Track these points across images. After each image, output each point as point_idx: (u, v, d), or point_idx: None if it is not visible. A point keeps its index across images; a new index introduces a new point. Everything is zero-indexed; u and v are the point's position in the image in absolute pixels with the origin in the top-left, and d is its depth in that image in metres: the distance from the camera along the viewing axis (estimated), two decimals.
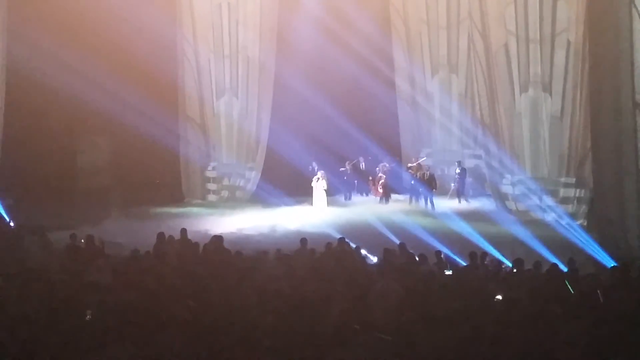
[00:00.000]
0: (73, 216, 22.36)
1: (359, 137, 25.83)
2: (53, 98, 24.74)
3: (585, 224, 21.30)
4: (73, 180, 27.15)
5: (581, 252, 17.71)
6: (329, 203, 25.18)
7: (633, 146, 17.71)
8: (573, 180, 22.20)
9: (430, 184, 25.24)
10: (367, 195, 27.45)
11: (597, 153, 19.51)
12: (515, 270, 14.19)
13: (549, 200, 22.39)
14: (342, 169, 26.79)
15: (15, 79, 24.77)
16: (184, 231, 17.29)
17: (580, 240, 18.90)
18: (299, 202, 25.49)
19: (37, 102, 25.18)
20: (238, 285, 12.15)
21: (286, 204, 25.18)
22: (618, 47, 17.93)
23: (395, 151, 27.68)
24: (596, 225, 19.80)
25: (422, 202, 25.38)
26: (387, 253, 15.34)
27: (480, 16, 23.62)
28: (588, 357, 8.99)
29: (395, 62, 27.67)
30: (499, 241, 18.21)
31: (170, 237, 16.89)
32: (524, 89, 22.87)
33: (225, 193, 27.71)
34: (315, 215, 23.66)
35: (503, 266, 15.17)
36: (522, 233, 19.49)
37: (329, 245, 16.24)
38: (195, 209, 25.84)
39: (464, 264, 15.08)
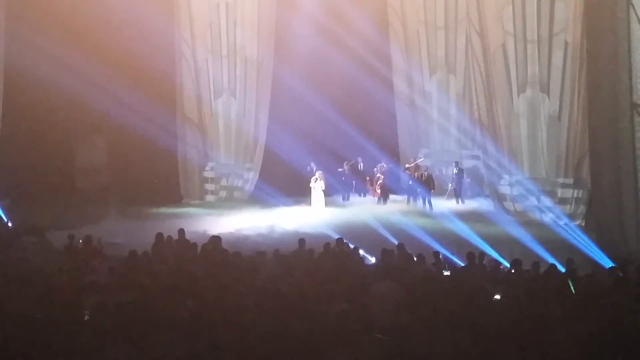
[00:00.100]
0: (71, 216, 22.38)
1: (357, 137, 25.81)
2: (51, 98, 24.75)
3: (583, 224, 21.32)
4: (71, 181, 27.17)
5: (579, 252, 17.72)
6: (327, 203, 25.17)
7: (631, 146, 17.71)
8: (571, 180, 22.21)
9: (428, 184, 25.24)
10: (365, 195, 27.46)
11: (595, 153, 19.52)
12: (513, 271, 14.21)
13: (547, 201, 22.40)
14: (340, 169, 26.79)
15: (13, 79, 24.79)
16: (181, 232, 17.28)
17: (578, 241, 18.92)
18: (297, 203, 25.49)
19: (34, 102, 25.18)
20: (236, 286, 12.15)
21: (284, 205, 25.18)
22: (616, 47, 17.93)
23: (393, 151, 27.67)
24: (594, 226, 19.82)
25: (419, 202, 25.37)
26: (385, 253, 15.34)
27: (478, 16, 23.61)
28: (586, 358, 8.99)
29: (393, 62, 27.65)
30: (497, 242, 18.22)
31: (169, 237, 16.89)
32: (521, 89, 22.88)
33: (223, 193, 27.71)
34: (313, 216, 23.66)
35: (501, 267, 15.18)
36: (520, 234, 19.50)
37: (327, 245, 16.23)
38: (193, 210, 25.82)
39: (462, 264, 15.09)
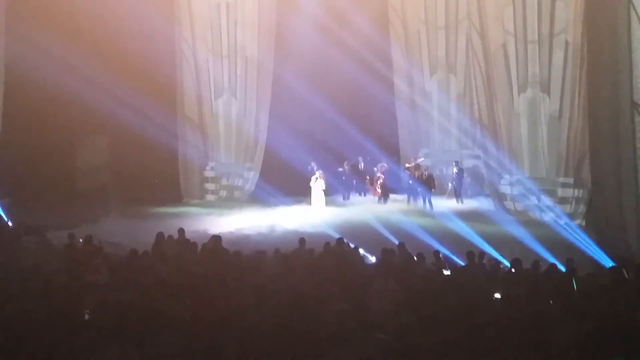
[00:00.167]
0: (71, 216, 22.38)
1: (358, 137, 25.82)
2: (51, 97, 24.74)
3: (583, 224, 21.31)
4: (71, 180, 27.18)
5: (579, 252, 17.71)
6: (327, 203, 25.18)
7: (631, 146, 17.70)
8: (571, 180, 22.21)
9: (429, 184, 25.25)
10: (365, 195, 27.46)
11: (595, 153, 19.53)
12: (513, 270, 14.21)
13: (547, 200, 22.41)
14: (340, 169, 26.78)
15: (13, 79, 24.79)
16: (182, 231, 17.28)
17: (579, 240, 18.92)
18: (297, 202, 25.50)
19: (35, 102, 25.19)
20: (237, 285, 12.16)
21: (284, 204, 25.19)
22: (616, 47, 17.93)
23: (393, 151, 27.68)
24: (594, 226, 19.81)
25: (420, 202, 25.38)
26: (386, 253, 15.34)
27: (479, 16, 23.62)
28: (586, 357, 9.00)
29: (394, 62, 27.67)
30: (497, 241, 18.23)
31: (169, 237, 16.89)
32: (522, 89, 22.89)
33: (223, 193, 27.72)
34: (313, 215, 23.66)
35: (501, 266, 15.18)
36: (521, 233, 19.49)
37: (327, 245, 16.24)
38: (193, 209, 25.82)
39: (463, 263, 15.09)
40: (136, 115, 24.54)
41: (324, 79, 25.90)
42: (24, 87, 24.71)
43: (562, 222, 21.35)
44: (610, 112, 18.20)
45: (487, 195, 25.00)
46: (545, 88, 22.46)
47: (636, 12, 17.70)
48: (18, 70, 24.33)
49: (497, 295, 12.13)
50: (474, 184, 26.48)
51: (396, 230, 19.73)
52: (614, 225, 18.29)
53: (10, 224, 21.30)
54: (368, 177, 27.20)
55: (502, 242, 18.42)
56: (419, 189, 25.44)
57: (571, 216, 21.79)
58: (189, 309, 10.41)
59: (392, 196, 26.52)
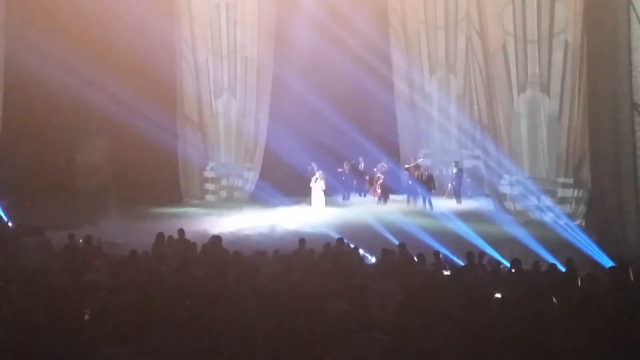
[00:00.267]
0: (71, 216, 22.36)
1: (357, 137, 25.84)
2: (51, 98, 24.77)
3: (583, 224, 21.32)
4: (71, 180, 27.18)
5: (579, 252, 17.71)
6: (327, 203, 25.18)
7: (631, 146, 17.71)
8: (571, 180, 22.22)
9: (429, 184, 25.25)
10: (365, 195, 27.45)
11: (595, 153, 19.52)
12: (513, 271, 14.21)
13: (547, 201, 22.41)
14: (340, 169, 26.76)
15: (12, 79, 24.78)
16: (181, 231, 17.27)
17: (579, 241, 18.92)
18: (297, 203, 25.50)
19: (35, 102, 25.21)
20: (236, 286, 12.14)
21: (284, 204, 25.20)
22: (616, 47, 17.93)
23: (393, 151, 27.69)
24: (594, 226, 19.81)
25: (419, 202, 25.38)
26: (386, 253, 15.34)
27: (478, 16, 23.63)
28: (586, 358, 8.99)
29: (393, 62, 27.70)
30: (497, 241, 18.24)
31: (169, 237, 16.89)
32: (522, 89, 22.89)
33: (223, 193, 27.71)
34: (313, 216, 23.66)
35: (501, 266, 15.18)
36: (520, 233, 19.50)
37: (327, 245, 16.24)
38: (193, 209, 25.84)
39: (463, 264, 15.08)
40: (136, 116, 24.54)
41: (323, 79, 25.90)
42: (24, 88, 24.73)
43: (562, 223, 21.36)
44: (610, 112, 18.20)
45: (487, 196, 24.99)
46: (545, 88, 22.46)
47: (635, 12, 17.70)
48: (17, 70, 24.34)
49: (497, 295, 12.13)
50: (473, 184, 26.50)
51: (396, 230, 19.73)
52: (614, 225, 18.29)
53: (10, 224, 21.28)
54: (368, 177, 27.20)
55: (502, 242, 18.43)
56: (418, 189, 25.43)
57: (571, 216, 21.80)
58: (188, 310, 10.39)
59: (392, 196, 26.53)
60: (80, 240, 16.76)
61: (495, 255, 16.50)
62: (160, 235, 16.70)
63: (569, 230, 20.35)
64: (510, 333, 9.48)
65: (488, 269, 14.67)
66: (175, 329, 9.43)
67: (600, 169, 18.98)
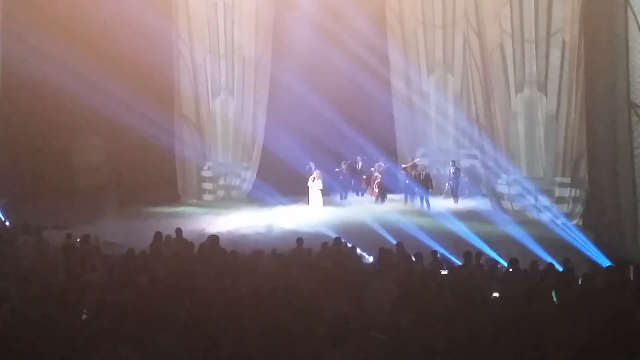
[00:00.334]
0: (69, 215, 22.35)
1: (355, 136, 25.82)
2: (48, 97, 24.75)
3: (580, 223, 21.35)
4: (69, 180, 27.12)
5: (576, 251, 17.74)
6: (325, 203, 25.17)
7: (628, 146, 17.72)
8: (568, 180, 22.23)
9: (426, 183, 25.26)
10: (362, 195, 27.44)
11: (592, 153, 19.54)
12: (510, 270, 14.22)
13: (544, 200, 22.43)
14: (337, 169, 26.74)
15: (9, 78, 24.74)
16: (179, 231, 17.27)
17: (576, 240, 18.94)
18: (294, 202, 25.49)
19: (32, 101, 25.19)
20: (234, 285, 12.15)
21: (282, 204, 25.19)
22: (613, 46, 17.94)
23: (390, 151, 27.69)
24: (592, 225, 19.83)
25: (417, 201, 25.38)
26: (383, 253, 15.35)
27: (476, 16, 23.64)
28: (583, 357, 9.00)
29: (391, 61, 27.69)
30: (494, 241, 18.28)
31: (167, 236, 16.88)
32: (519, 88, 22.90)
33: (221, 192, 27.70)
34: (311, 215, 23.65)
35: (499, 266, 15.19)
36: (518, 233, 19.54)
37: (325, 244, 16.26)
38: (190, 209, 25.83)
39: (460, 263, 15.09)
40: (133, 115, 24.53)
41: (321, 78, 25.89)
42: (20, 87, 24.69)
43: (559, 222, 21.37)
44: (607, 111, 18.21)
45: (484, 195, 25.01)
46: (543, 87, 22.48)
47: (633, 12, 17.71)
48: (14, 69, 24.30)
49: (495, 295, 12.14)
50: (471, 183, 26.49)
51: (394, 230, 19.74)
52: (611, 225, 18.30)
53: (7, 223, 21.27)
54: (365, 177, 27.18)
55: (499, 241, 18.47)
56: (416, 189, 25.43)
57: (568, 216, 21.83)
58: (186, 309, 10.40)
59: (389, 196, 26.52)
60: (78, 240, 16.77)
61: (493, 254, 16.51)
62: (157, 234, 16.71)
63: (566, 229, 20.37)
64: (507, 332, 9.49)
65: (485, 268, 14.68)
66: (173, 328, 9.44)
67: (598, 169, 19.00)
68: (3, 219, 21.85)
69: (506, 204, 23.44)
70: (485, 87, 23.53)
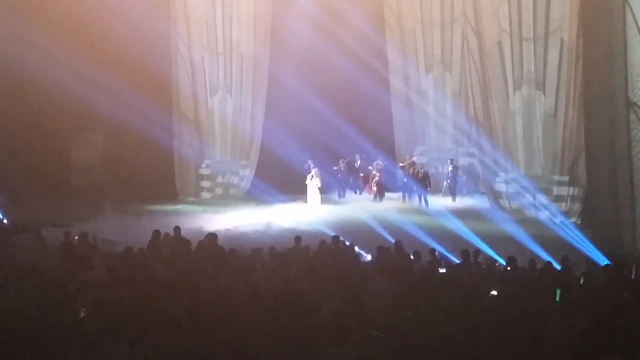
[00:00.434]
0: (67, 213, 22.31)
1: (353, 134, 25.81)
2: (46, 95, 24.68)
3: (578, 222, 21.37)
4: (67, 178, 27.10)
5: (575, 250, 17.73)
6: (323, 201, 25.17)
7: (626, 144, 17.74)
8: (567, 178, 22.25)
9: (424, 182, 25.24)
10: (360, 193, 27.43)
11: (590, 151, 19.56)
12: (508, 268, 14.23)
13: (542, 199, 22.44)
14: (336, 167, 26.73)
15: (7, 76, 24.71)
16: (177, 229, 17.26)
17: (574, 239, 18.94)
18: (293, 200, 25.50)
19: (30, 99, 25.16)
20: (232, 283, 12.15)
21: (280, 202, 25.19)
22: (612, 45, 17.95)
23: (389, 149, 27.68)
24: (590, 224, 19.85)
25: (415, 199, 25.38)
26: (381, 251, 15.36)
27: (474, 14, 23.65)
28: (581, 355, 9.01)
29: (389, 59, 27.68)
30: (492, 239, 18.24)
31: (166, 234, 16.88)
32: (517, 87, 22.92)
33: (219, 190, 27.70)
34: (309, 213, 23.65)
35: (497, 264, 15.20)
36: (516, 231, 19.51)
37: (323, 242, 16.25)
38: (189, 207, 25.83)
39: (458, 261, 15.09)
40: (131, 113, 24.48)
41: (319, 76, 25.86)
42: (18, 85, 24.67)
43: (557, 220, 21.37)
44: (605, 110, 18.23)
45: (482, 193, 24.99)
46: (541, 86, 22.49)
47: (631, 10, 17.72)
48: (12, 67, 24.27)
49: (493, 293, 12.14)
50: (469, 182, 26.48)
51: (392, 228, 19.72)
52: (610, 223, 18.33)
53: (5, 221, 21.25)
54: (363, 175, 27.17)
55: (497, 240, 18.43)
56: (414, 187, 25.43)
57: (566, 214, 21.84)
58: (184, 307, 10.39)
59: (387, 194, 26.51)
60: (76, 238, 16.75)
61: (491, 252, 16.51)
62: (156, 232, 16.70)
63: (564, 228, 20.37)
64: (505, 330, 9.49)
65: (484, 266, 14.68)
66: (171, 326, 9.43)
67: (596, 167, 19.03)
68: (1, 216, 21.82)
69: (504, 202, 23.46)
70: (484, 86, 23.55)
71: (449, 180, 25.96)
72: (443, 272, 14.43)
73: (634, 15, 17.65)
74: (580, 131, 21.02)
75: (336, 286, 12.15)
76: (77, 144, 27.54)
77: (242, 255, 15.10)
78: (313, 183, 24.93)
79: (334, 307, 10.31)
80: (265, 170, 26.67)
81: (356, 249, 16.63)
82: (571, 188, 22.16)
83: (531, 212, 22.54)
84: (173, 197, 27.35)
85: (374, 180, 26.34)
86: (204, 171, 27.82)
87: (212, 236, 16.58)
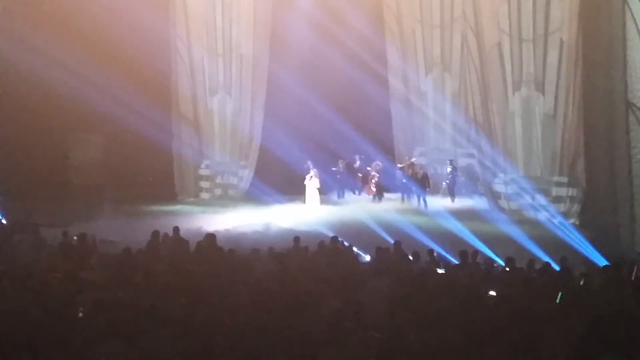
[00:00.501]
0: (66, 214, 22.31)
1: (352, 135, 25.82)
2: (46, 95, 24.68)
3: (577, 222, 21.37)
4: (66, 178, 27.08)
5: (573, 251, 17.74)
6: (322, 201, 25.18)
7: (625, 145, 17.76)
8: (565, 179, 22.25)
9: (423, 182, 25.24)
10: (359, 193, 27.43)
11: (589, 152, 19.59)
12: (507, 269, 14.23)
13: (541, 199, 22.44)
14: (335, 168, 26.72)
15: (6, 76, 24.70)
16: (176, 229, 17.26)
17: (573, 239, 18.94)
18: (292, 201, 25.49)
19: (29, 100, 25.11)
20: (231, 283, 12.15)
21: (279, 202, 25.17)
22: (611, 46, 17.98)
23: (388, 150, 27.68)
24: (588, 224, 19.87)
25: (414, 200, 25.38)
26: (380, 251, 15.36)
27: (474, 15, 23.67)
28: (579, 356, 9.01)
29: (389, 60, 27.68)
30: (491, 240, 18.23)
31: (165, 235, 16.88)
32: (517, 88, 22.92)
33: (218, 191, 27.69)
34: (308, 214, 23.66)
35: (495, 265, 15.20)
36: (515, 232, 19.51)
37: (322, 243, 16.24)
38: (188, 207, 25.82)
39: (457, 262, 15.09)
40: (131, 113, 24.46)
41: (319, 77, 25.88)
42: (18, 85, 24.63)
43: (556, 221, 21.38)
44: (604, 111, 18.27)
45: (481, 194, 24.99)
46: (540, 87, 22.50)
47: (631, 11, 17.74)
48: (11, 67, 24.26)
49: (492, 293, 12.14)
50: (468, 182, 26.48)
51: (391, 228, 19.72)
52: (608, 224, 18.34)
53: (4, 221, 21.23)
54: (362, 176, 27.16)
55: (496, 240, 18.42)
56: (413, 188, 25.43)
57: (565, 215, 21.84)
58: (183, 307, 10.39)
59: (386, 195, 26.51)
60: (75, 238, 16.74)
61: (490, 253, 16.51)
62: (155, 233, 16.69)
63: (563, 228, 20.38)
64: (504, 331, 9.49)
65: (482, 267, 14.69)
66: (170, 326, 9.43)
67: (595, 168, 19.06)
68: (0, 216, 21.81)
69: (503, 203, 23.47)
70: (483, 87, 23.56)
71: (448, 181, 25.97)
72: (442, 273, 14.43)
73: (633, 16, 17.68)
74: (579, 132, 21.03)
75: (335, 286, 12.16)
76: (76, 144, 27.50)
77: (241, 255, 15.10)
78: (312, 184, 24.93)
79: (333, 307, 10.31)
80: (264, 170, 26.67)
81: (355, 249, 16.63)
82: (570, 189, 22.16)
83: (530, 213, 22.54)
84: (172, 197, 27.33)
85: (373, 180, 26.35)
86: (203, 172, 27.81)
87: (211, 237, 16.58)
